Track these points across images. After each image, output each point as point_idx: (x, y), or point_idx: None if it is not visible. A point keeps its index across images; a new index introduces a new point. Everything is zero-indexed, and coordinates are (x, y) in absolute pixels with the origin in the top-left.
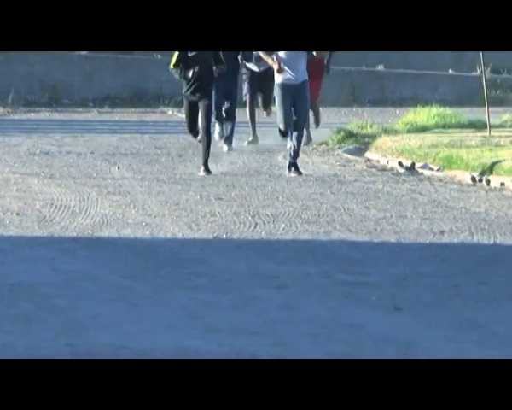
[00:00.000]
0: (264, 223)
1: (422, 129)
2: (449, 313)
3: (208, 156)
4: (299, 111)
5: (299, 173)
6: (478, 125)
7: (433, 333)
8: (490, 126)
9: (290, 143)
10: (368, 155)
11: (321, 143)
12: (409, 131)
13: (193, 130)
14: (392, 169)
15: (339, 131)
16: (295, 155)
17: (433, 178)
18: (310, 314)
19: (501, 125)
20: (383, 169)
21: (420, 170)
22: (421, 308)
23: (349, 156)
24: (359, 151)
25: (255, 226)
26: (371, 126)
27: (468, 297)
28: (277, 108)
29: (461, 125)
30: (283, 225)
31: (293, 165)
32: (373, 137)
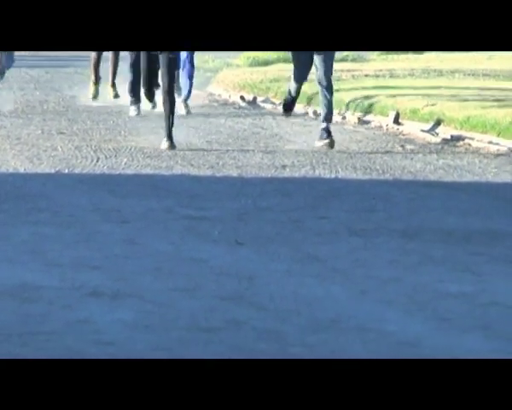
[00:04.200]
0: (106, 157)
1: (264, 63)
2: (290, 247)
3: (173, 124)
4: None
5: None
6: None
7: (274, 267)
8: None
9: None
10: (210, 89)
11: None
12: (251, 66)
13: (150, 90)
14: (233, 103)
15: None
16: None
17: (274, 112)
18: (152, 249)
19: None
20: (225, 103)
21: (262, 104)
22: (262, 242)
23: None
24: (201, 85)
25: (97, 161)
26: (213, 61)
27: (309, 232)
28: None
29: None
30: (125, 160)
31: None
32: (215, 71)
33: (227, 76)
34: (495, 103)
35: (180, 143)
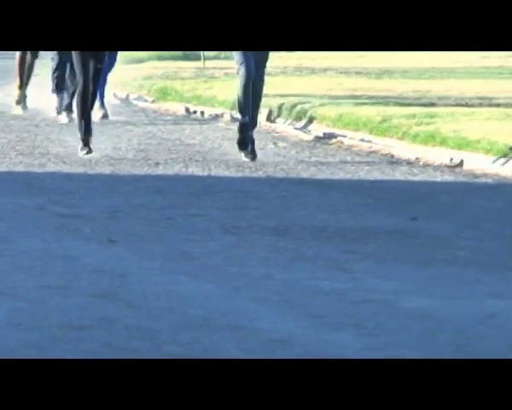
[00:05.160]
0: None
1: (138, 61)
2: (163, 244)
3: (87, 129)
4: None
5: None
6: (192, 57)
7: (147, 265)
8: (204, 58)
9: None
10: None
11: None
12: (123, 63)
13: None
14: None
15: None
16: None
17: (147, 109)
18: (24, 246)
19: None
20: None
21: (134, 102)
22: (135, 240)
23: None
24: None
25: None
26: None
27: (182, 229)
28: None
29: (175, 57)
30: None
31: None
32: None
33: None
34: (367, 101)
35: (52, 141)
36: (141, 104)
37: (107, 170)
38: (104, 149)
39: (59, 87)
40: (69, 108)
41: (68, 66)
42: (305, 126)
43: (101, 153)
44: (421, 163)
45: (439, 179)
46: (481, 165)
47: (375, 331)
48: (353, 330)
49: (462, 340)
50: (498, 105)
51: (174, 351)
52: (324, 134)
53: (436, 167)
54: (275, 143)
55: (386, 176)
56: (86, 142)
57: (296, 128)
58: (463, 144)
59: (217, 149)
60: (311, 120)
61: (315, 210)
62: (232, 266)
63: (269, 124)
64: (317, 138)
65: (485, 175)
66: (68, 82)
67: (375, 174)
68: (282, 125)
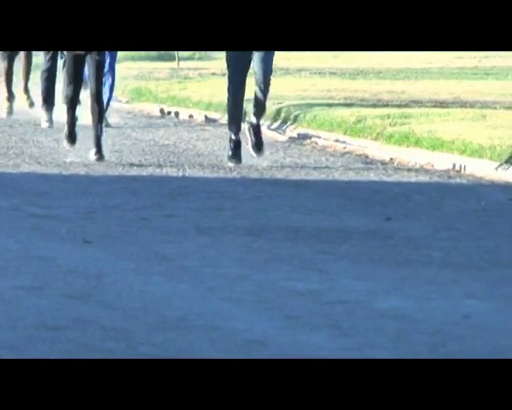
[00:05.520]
0: None
1: None
2: (138, 245)
3: (102, 133)
4: None
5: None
6: (166, 58)
7: (122, 266)
8: (178, 59)
9: None
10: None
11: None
12: None
13: (74, 99)
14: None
15: None
16: None
17: (122, 110)
18: None
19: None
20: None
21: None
22: (110, 241)
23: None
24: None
25: None
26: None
27: (157, 230)
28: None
29: (150, 57)
30: None
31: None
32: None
33: None
34: (341, 102)
35: (27, 141)
36: (115, 105)
37: (81, 171)
38: (79, 151)
39: (48, 101)
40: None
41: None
42: (279, 127)
43: (75, 153)
44: (395, 164)
45: (413, 180)
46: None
47: (349, 332)
48: (328, 330)
49: (437, 340)
50: (473, 106)
51: (149, 351)
52: (299, 135)
53: (410, 168)
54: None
55: (360, 177)
56: (99, 145)
57: (271, 129)
58: (438, 145)
59: (191, 150)
60: (285, 121)
61: (289, 211)
62: (207, 267)
63: (243, 125)
64: (292, 139)
65: (460, 176)
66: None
67: (350, 175)
68: None
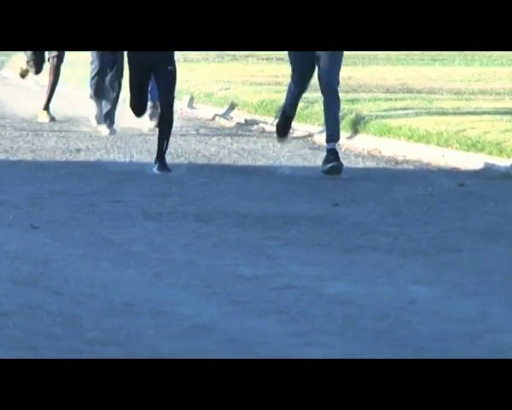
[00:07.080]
0: None
1: None
2: (85, 231)
3: (167, 147)
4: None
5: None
6: None
7: (69, 251)
8: None
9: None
10: (3, 72)
11: None
12: None
13: (142, 112)
14: (28, 88)
15: None
16: None
17: (70, 96)
18: None
19: None
20: (19, 86)
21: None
22: (57, 226)
23: None
24: None
25: None
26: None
27: (104, 215)
28: None
29: None
30: None
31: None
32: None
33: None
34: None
35: None
36: (62, 91)
37: (28, 156)
38: (26, 136)
39: (97, 94)
40: (109, 117)
41: (109, 71)
42: (226, 113)
43: (22, 139)
44: (342, 150)
45: (360, 166)
46: (402, 151)
47: (297, 317)
48: (276, 316)
49: (384, 326)
50: (420, 92)
51: (97, 337)
52: (246, 121)
53: (358, 154)
54: (196, 130)
55: (307, 162)
56: (162, 156)
57: (218, 115)
58: (385, 131)
59: (138, 136)
60: (232, 107)
61: (237, 197)
62: (154, 253)
63: (190, 110)
64: (239, 125)
65: (407, 162)
66: (108, 88)
67: (297, 161)
68: (204, 112)
